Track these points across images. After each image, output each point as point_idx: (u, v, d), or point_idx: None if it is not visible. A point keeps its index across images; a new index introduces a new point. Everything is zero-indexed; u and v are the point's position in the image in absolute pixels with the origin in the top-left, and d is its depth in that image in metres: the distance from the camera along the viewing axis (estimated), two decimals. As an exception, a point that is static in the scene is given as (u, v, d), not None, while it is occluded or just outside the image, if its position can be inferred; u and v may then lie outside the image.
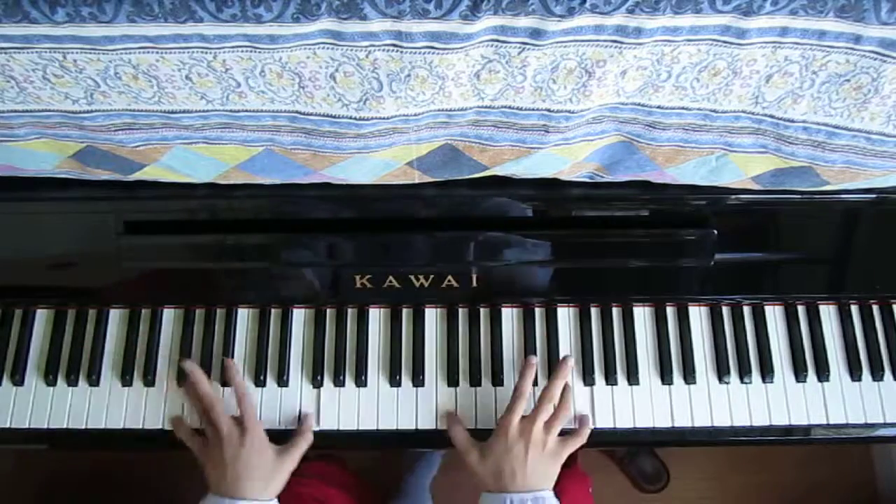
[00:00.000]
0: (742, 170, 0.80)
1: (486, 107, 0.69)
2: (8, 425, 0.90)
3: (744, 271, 0.94)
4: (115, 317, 0.95)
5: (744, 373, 0.92)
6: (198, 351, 0.93)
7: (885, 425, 0.91)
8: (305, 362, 0.93)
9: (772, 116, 0.71)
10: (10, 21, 0.56)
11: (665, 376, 0.92)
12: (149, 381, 0.92)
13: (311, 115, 0.69)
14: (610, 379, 0.92)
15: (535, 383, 0.91)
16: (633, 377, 0.92)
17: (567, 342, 0.94)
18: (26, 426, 0.90)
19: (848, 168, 0.77)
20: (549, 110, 0.69)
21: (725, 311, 0.95)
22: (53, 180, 0.84)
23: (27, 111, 0.70)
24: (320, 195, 0.87)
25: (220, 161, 0.79)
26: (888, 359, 0.93)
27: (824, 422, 0.90)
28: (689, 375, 0.92)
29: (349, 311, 0.95)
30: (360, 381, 0.91)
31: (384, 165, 0.79)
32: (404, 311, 0.95)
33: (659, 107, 0.70)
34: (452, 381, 0.92)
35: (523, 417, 0.83)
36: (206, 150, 0.76)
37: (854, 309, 0.95)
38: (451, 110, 0.69)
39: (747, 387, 0.92)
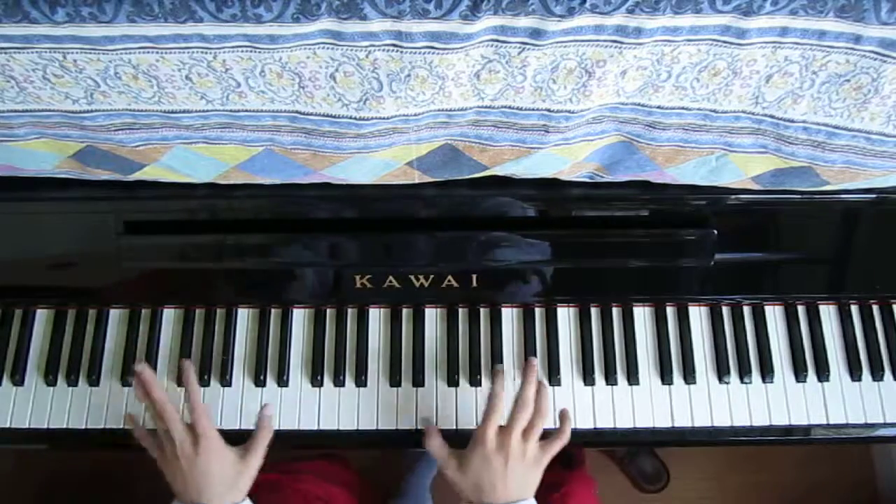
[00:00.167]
0: (742, 170, 0.80)
1: (486, 107, 0.69)
2: (8, 425, 0.90)
3: (744, 271, 0.94)
4: (115, 317, 0.95)
5: (744, 373, 0.92)
6: (198, 351, 0.93)
7: (885, 425, 0.91)
8: (305, 362, 0.93)
9: (772, 116, 0.71)
10: (10, 21, 0.56)
11: (665, 376, 0.92)
12: (149, 381, 0.91)
13: (311, 115, 0.69)
14: (610, 379, 0.92)
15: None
16: (633, 377, 0.92)
17: (567, 342, 0.94)
18: (26, 426, 0.91)
19: (848, 168, 0.77)
20: (549, 110, 0.69)
21: (725, 311, 0.95)
22: (53, 180, 0.84)
23: (27, 111, 0.70)
24: (320, 195, 0.87)
25: (220, 161, 0.79)
26: (888, 359, 0.93)
27: (824, 422, 0.90)
28: (689, 375, 0.92)
29: (349, 311, 0.95)
30: (360, 381, 0.91)
31: (384, 165, 0.79)
32: (404, 311, 0.95)
33: (659, 107, 0.70)
34: (452, 381, 0.92)
35: (500, 427, 0.80)
36: (206, 150, 0.76)
37: (854, 309, 0.95)
38: (451, 110, 0.69)
39: (747, 387, 0.92)
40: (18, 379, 0.92)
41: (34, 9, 0.55)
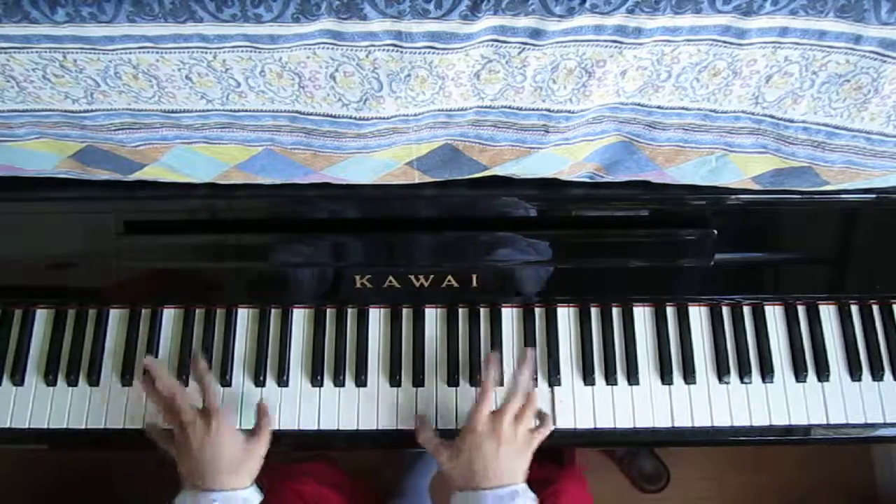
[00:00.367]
0: (742, 170, 0.80)
1: (486, 107, 0.69)
2: (8, 425, 0.90)
3: (744, 271, 0.94)
4: (115, 317, 0.95)
5: (744, 373, 0.92)
6: (198, 351, 0.93)
7: (885, 425, 0.91)
8: (305, 362, 0.93)
9: (772, 116, 0.71)
10: (10, 21, 0.56)
11: (665, 376, 0.92)
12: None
13: (311, 114, 0.69)
14: (610, 379, 0.92)
15: (536, 383, 0.91)
16: (633, 377, 0.92)
17: (567, 342, 0.94)
18: (26, 426, 0.90)
19: (848, 168, 0.77)
20: (549, 110, 0.69)
21: (725, 311, 0.95)
22: (53, 180, 0.84)
23: (27, 111, 0.70)
24: (320, 195, 0.87)
25: (220, 161, 0.79)
26: (888, 359, 0.93)
27: (824, 422, 0.90)
28: (689, 375, 0.92)
29: (349, 311, 0.95)
30: (360, 380, 0.91)
31: (384, 165, 0.79)
32: (404, 311, 0.95)
33: (659, 107, 0.70)
34: (452, 381, 0.92)
35: (492, 412, 0.82)
36: (206, 149, 0.76)
37: (854, 309, 0.95)
38: (451, 110, 0.69)
39: (747, 387, 0.92)
40: (18, 379, 0.92)
41: (34, 9, 0.55)
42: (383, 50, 0.60)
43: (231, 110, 0.69)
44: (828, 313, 0.95)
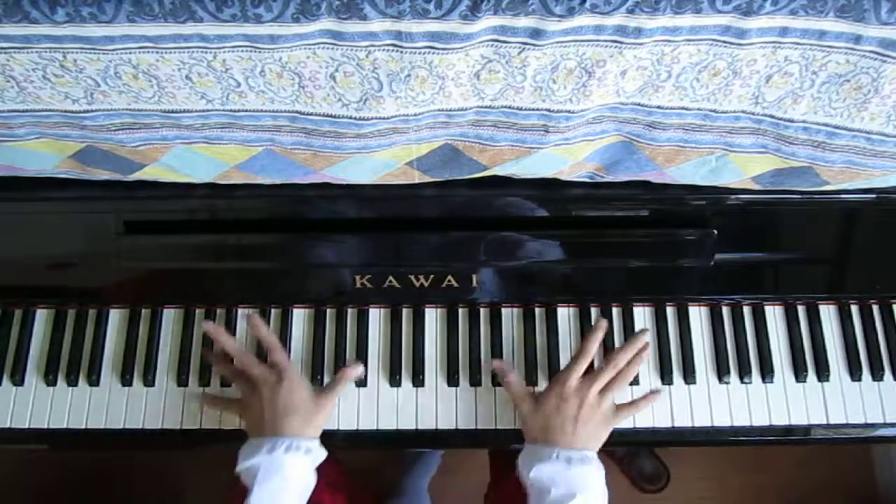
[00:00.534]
0: (742, 170, 0.80)
1: (486, 107, 0.69)
2: (8, 425, 0.90)
3: (744, 271, 0.94)
4: (115, 317, 0.95)
5: (744, 373, 0.92)
6: (198, 351, 0.93)
7: (885, 425, 0.91)
8: (305, 362, 0.93)
9: (772, 116, 0.71)
10: (10, 21, 0.56)
11: (665, 376, 0.92)
12: (149, 381, 0.91)
13: (311, 114, 0.69)
14: (610, 379, 0.92)
15: (536, 382, 0.91)
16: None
17: (567, 342, 0.93)
18: (26, 426, 0.90)
19: (848, 168, 0.77)
20: (549, 110, 0.69)
21: (725, 311, 0.95)
22: (53, 180, 0.84)
23: (27, 111, 0.70)
24: (320, 195, 0.87)
25: (220, 161, 0.79)
26: (888, 359, 0.93)
27: (824, 422, 0.90)
28: (689, 375, 0.92)
29: (349, 311, 0.95)
30: (360, 380, 0.91)
31: (384, 165, 0.79)
32: (404, 311, 0.95)
33: (659, 107, 0.70)
34: (452, 381, 0.92)
35: (582, 376, 0.83)
36: (206, 149, 0.76)
37: (854, 309, 0.95)
38: (451, 110, 0.69)
39: (747, 387, 0.92)
40: (18, 379, 0.92)
41: (34, 9, 0.55)
42: (383, 50, 0.60)
43: (231, 110, 0.69)
44: (828, 313, 0.95)
